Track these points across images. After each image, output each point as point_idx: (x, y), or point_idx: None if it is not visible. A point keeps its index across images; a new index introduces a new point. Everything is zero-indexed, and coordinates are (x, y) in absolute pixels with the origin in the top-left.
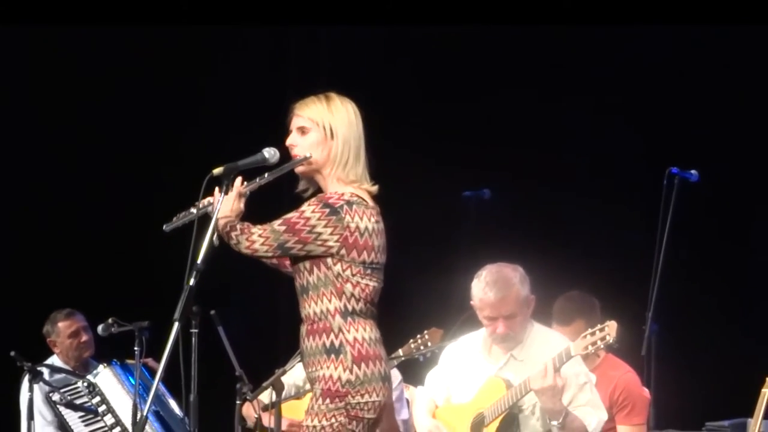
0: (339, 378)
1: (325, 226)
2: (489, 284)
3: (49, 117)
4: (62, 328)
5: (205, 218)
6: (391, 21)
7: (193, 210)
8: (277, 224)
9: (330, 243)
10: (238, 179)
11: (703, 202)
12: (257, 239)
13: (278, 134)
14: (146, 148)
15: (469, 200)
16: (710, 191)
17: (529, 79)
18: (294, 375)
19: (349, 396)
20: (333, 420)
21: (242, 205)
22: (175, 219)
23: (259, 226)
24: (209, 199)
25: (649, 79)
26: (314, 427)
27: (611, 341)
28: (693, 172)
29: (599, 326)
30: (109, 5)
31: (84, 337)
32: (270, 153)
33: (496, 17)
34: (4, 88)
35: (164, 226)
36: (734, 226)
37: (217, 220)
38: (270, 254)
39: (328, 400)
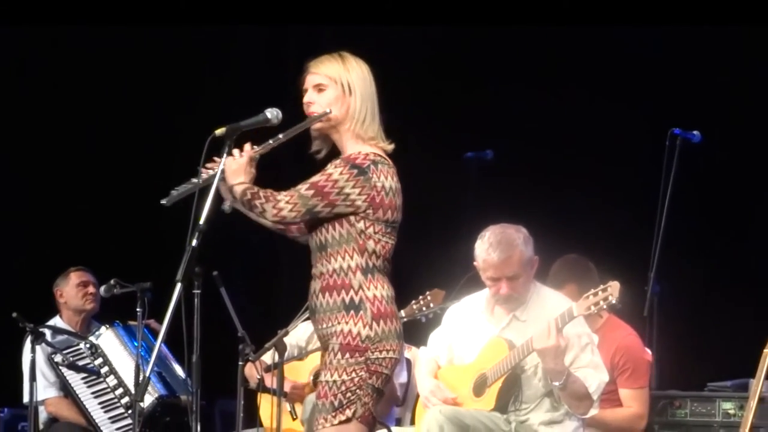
0: (359, 333)
1: (354, 187)
2: (492, 245)
3: (60, 89)
4: (73, 278)
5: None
6: (389, 21)
7: (195, 180)
8: (303, 189)
9: (358, 203)
10: (247, 145)
11: (706, 162)
12: (285, 206)
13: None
14: (147, 145)
15: (471, 161)
16: (712, 152)
17: (531, 47)
18: (296, 336)
19: (369, 351)
20: (354, 375)
21: (253, 169)
22: (174, 192)
23: (284, 192)
24: (208, 171)
25: (654, 45)
26: (334, 381)
27: (614, 301)
28: (695, 132)
29: (602, 286)
30: (114, 5)
31: (92, 289)
32: (272, 113)
33: (500, 18)
34: (20, 57)
35: (163, 201)
36: (737, 186)
37: (218, 186)
38: (298, 219)
39: (347, 355)
